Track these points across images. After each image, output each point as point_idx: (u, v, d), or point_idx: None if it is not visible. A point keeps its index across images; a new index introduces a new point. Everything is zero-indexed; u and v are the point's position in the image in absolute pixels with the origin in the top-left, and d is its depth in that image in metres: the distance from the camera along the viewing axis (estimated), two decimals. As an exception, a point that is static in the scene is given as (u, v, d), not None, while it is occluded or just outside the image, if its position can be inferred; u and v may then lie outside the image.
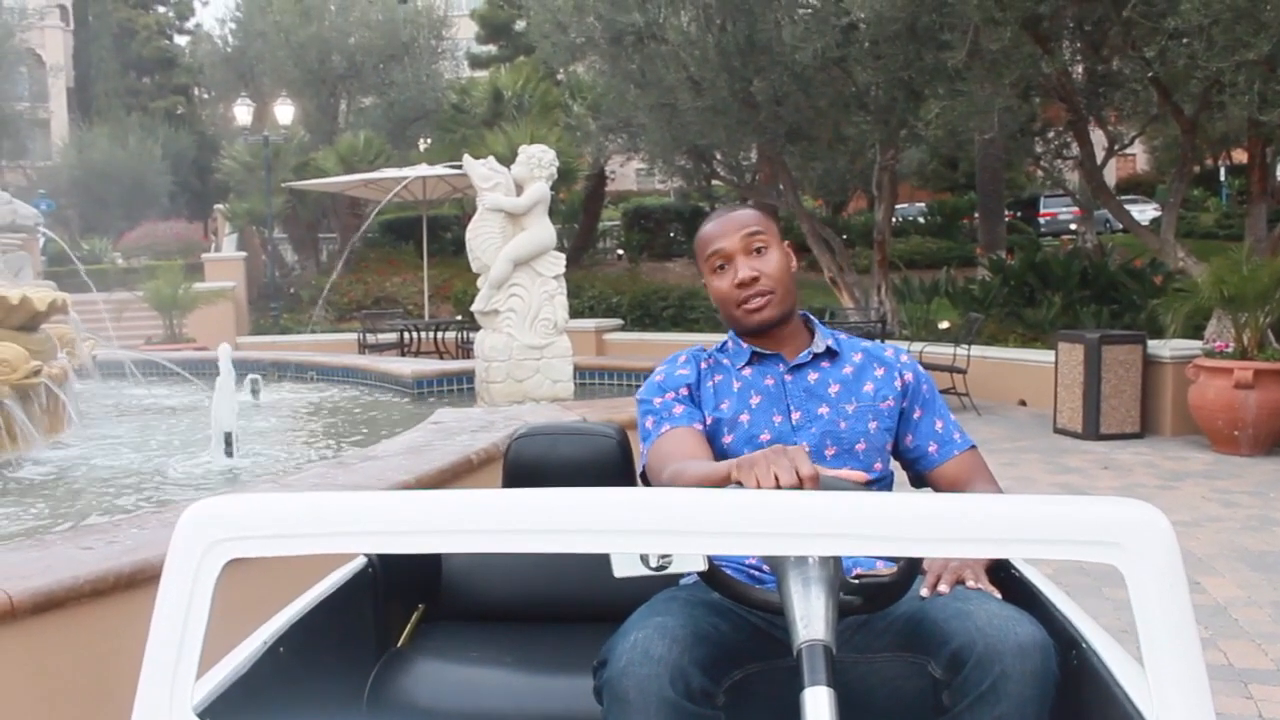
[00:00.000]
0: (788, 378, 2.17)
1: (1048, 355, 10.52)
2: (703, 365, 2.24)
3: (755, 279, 2.13)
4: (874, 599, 1.64)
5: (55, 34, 42.29)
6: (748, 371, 2.19)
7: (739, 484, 1.58)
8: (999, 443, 9.13)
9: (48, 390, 6.70)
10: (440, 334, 15.29)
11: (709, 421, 2.15)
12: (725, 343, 2.28)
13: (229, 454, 6.57)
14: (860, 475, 1.63)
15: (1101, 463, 8.37)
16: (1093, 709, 1.54)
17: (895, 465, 2.25)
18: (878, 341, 2.34)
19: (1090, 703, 1.55)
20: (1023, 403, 11.29)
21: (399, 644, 2.38)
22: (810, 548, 1.13)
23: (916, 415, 2.20)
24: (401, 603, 2.45)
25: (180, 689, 1.11)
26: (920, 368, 2.27)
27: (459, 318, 15.93)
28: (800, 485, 1.53)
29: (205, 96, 35.91)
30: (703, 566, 1.46)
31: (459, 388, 9.46)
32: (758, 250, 2.15)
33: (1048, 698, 1.58)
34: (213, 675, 1.51)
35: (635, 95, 14.55)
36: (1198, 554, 5.65)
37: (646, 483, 2.17)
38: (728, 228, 2.17)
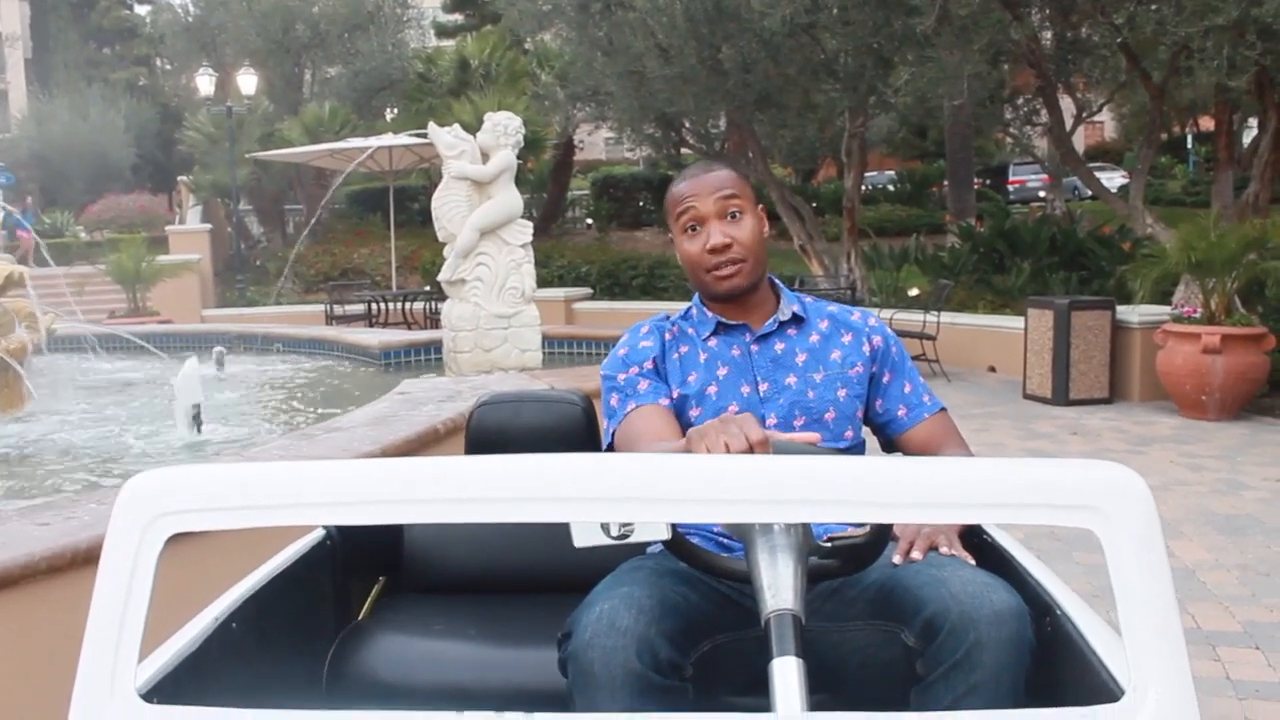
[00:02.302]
0: (754, 348, 2.11)
1: (1017, 321, 10.55)
2: (666, 336, 2.17)
3: (728, 245, 2.04)
4: (848, 562, 1.60)
5: (11, 3, 41.47)
6: (713, 342, 2.13)
7: None
8: (969, 409, 9.15)
9: (5, 365, 6.59)
10: (408, 305, 15.19)
11: (675, 395, 2.09)
12: (689, 310, 2.21)
13: (197, 429, 6.49)
14: (813, 436, 1.58)
15: (1070, 428, 8.40)
16: (1068, 676, 1.51)
17: (866, 432, 2.21)
18: (845, 306, 2.28)
19: (1065, 670, 1.52)
20: (992, 369, 11.32)
21: (360, 617, 2.33)
22: (778, 515, 1.09)
23: (886, 379, 2.16)
24: (362, 575, 2.40)
25: (122, 671, 1.05)
26: (889, 330, 2.23)
27: (427, 288, 15.82)
28: (751, 452, 1.48)
29: (167, 67, 35.40)
30: (666, 535, 1.41)
31: (427, 358, 9.39)
32: (732, 215, 2.06)
33: (1023, 665, 1.55)
34: (159, 655, 1.46)
35: (603, 63, 14.42)
36: (1166, 518, 5.67)
37: None
38: (702, 188, 2.07)
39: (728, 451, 1.47)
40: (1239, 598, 4.52)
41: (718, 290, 2.09)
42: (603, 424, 2.18)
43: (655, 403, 2.07)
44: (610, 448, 2.10)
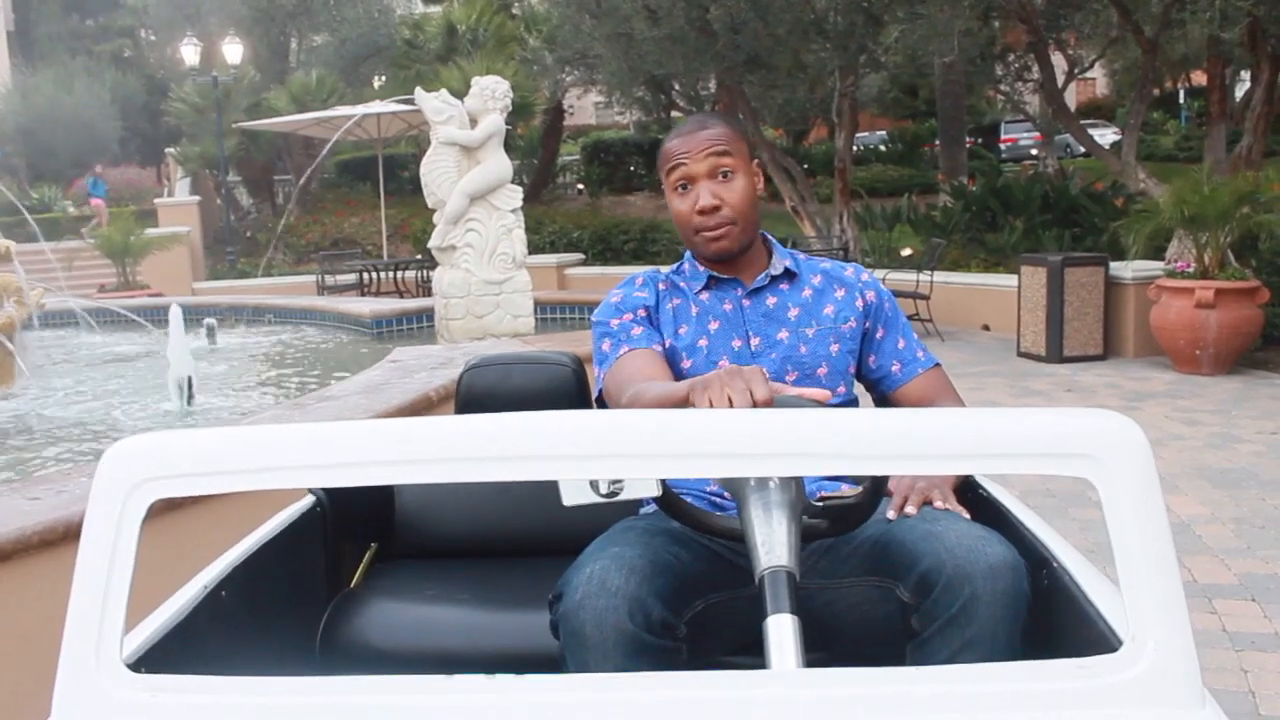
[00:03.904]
0: (746, 302, 2.09)
1: (1010, 279, 10.53)
2: (660, 287, 2.15)
3: (717, 207, 2.01)
4: (839, 521, 1.58)
5: (-8, -24, 41.02)
6: (705, 296, 2.11)
7: (694, 407, 1.51)
8: (963, 367, 9.14)
9: (-5, 341, 6.56)
10: (400, 273, 15.15)
11: (667, 345, 2.07)
12: (682, 265, 2.19)
13: (189, 401, 6.47)
14: (822, 393, 1.53)
15: (1065, 385, 8.40)
16: (1065, 628, 1.50)
17: (860, 390, 2.20)
18: (838, 262, 2.26)
19: (1062, 622, 1.51)
20: (986, 327, 11.31)
21: (352, 584, 2.32)
22: (771, 468, 1.07)
23: (879, 335, 2.14)
24: (353, 542, 2.38)
25: (108, 640, 1.04)
26: (882, 286, 2.20)
27: (419, 256, 15.76)
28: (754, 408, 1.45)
29: (152, 38, 35.05)
30: (656, 491, 1.40)
31: (419, 326, 9.37)
32: (723, 174, 2.02)
33: (1019, 618, 1.53)
34: (146, 625, 1.44)
35: (591, 25, 14.31)
36: (1161, 472, 5.59)
37: (603, 408, 2.09)
38: (693, 145, 2.02)
39: (730, 406, 1.43)
40: (1235, 550, 4.53)
41: (706, 252, 2.07)
42: (593, 375, 2.15)
43: (648, 347, 2.04)
44: (600, 395, 2.08)
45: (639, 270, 2.25)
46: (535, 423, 1.02)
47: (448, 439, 1.02)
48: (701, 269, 2.13)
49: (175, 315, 6.77)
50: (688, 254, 2.19)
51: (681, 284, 2.15)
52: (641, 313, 2.09)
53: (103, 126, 29.54)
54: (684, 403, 1.58)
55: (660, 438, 1.01)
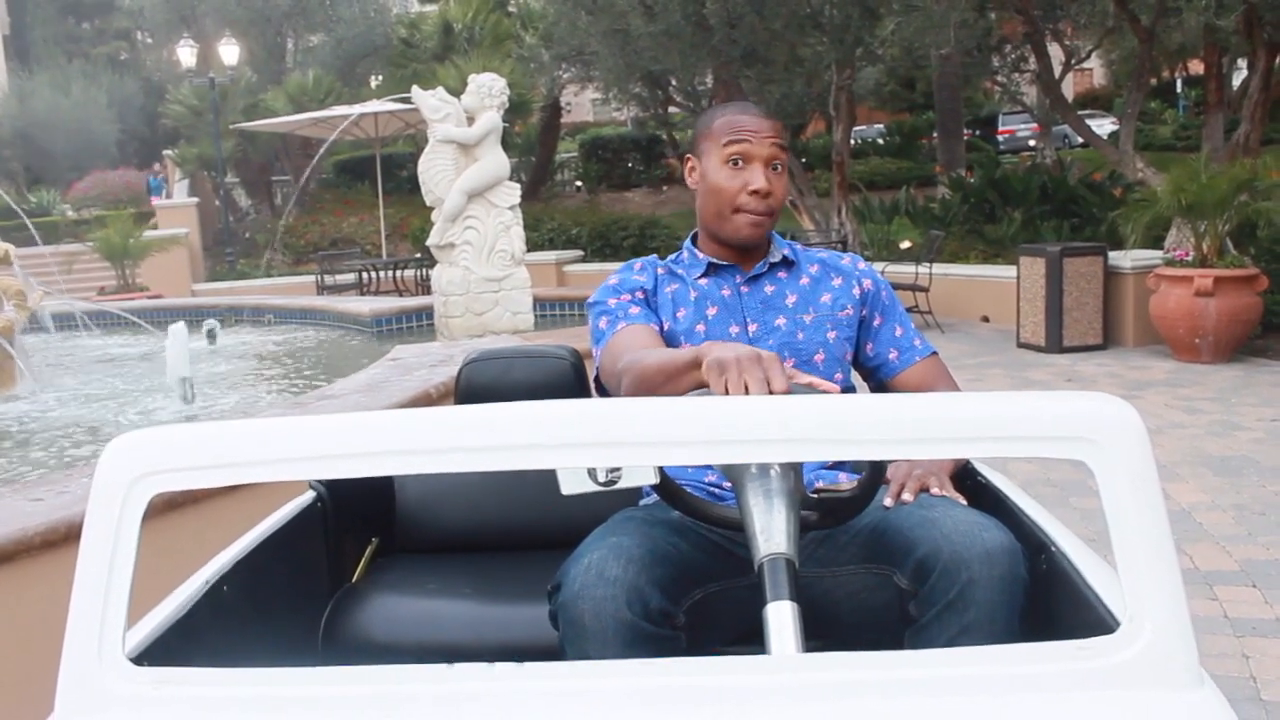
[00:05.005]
0: (744, 289, 2.10)
1: (1009, 270, 10.53)
2: (659, 272, 2.16)
3: (769, 194, 2.03)
4: (835, 513, 1.59)
5: (-13, -20, 40.96)
6: (704, 282, 2.11)
7: (705, 386, 1.50)
8: (963, 359, 9.14)
9: (-5, 343, 6.56)
10: (399, 272, 15.15)
11: (665, 328, 2.07)
12: (680, 253, 2.20)
13: (187, 400, 6.48)
14: (833, 387, 1.53)
15: (1065, 375, 8.41)
16: (1063, 612, 1.50)
17: (856, 378, 2.20)
18: (835, 251, 2.26)
19: (1061, 606, 1.51)
20: (985, 319, 11.31)
21: (353, 579, 2.32)
22: (769, 454, 1.07)
23: (876, 323, 2.15)
24: (354, 536, 2.39)
25: (110, 634, 1.04)
26: (879, 275, 2.21)
27: (418, 255, 15.77)
28: None
29: (148, 41, 35.03)
30: (654, 479, 1.40)
31: (419, 324, 9.37)
32: (776, 166, 2.04)
33: (1017, 603, 1.54)
34: (149, 619, 1.44)
35: (587, 22, 14.30)
36: (1162, 460, 5.68)
37: (601, 389, 2.09)
38: (760, 127, 2.03)
39: (746, 394, 1.43)
40: (1235, 537, 4.54)
41: (738, 234, 2.06)
42: (592, 368, 2.15)
43: (645, 324, 2.04)
44: (598, 371, 2.07)
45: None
46: (532, 411, 1.02)
47: (446, 428, 1.03)
48: (701, 256, 2.14)
49: (175, 333, 6.72)
50: (686, 244, 2.19)
51: (680, 271, 2.15)
52: (639, 294, 2.10)
53: (100, 129, 29.53)
54: (689, 367, 1.58)
55: (658, 425, 1.02)
